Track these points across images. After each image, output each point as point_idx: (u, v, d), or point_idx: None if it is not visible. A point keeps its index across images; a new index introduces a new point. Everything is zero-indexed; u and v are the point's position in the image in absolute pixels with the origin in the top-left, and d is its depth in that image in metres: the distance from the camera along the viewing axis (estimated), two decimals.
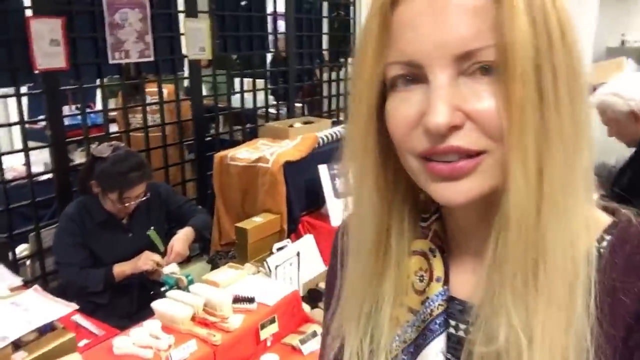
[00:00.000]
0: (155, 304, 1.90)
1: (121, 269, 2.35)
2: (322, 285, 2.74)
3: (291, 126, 3.32)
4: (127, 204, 2.35)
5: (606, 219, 0.56)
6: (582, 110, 0.50)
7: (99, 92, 4.22)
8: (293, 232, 2.90)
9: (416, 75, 0.51)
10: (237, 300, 1.98)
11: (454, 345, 0.58)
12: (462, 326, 0.58)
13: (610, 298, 0.51)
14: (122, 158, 2.34)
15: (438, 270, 0.60)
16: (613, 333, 0.50)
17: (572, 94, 0.49)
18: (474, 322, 0.54)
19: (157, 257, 2.36)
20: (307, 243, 2.81)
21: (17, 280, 2.17)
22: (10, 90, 2.68)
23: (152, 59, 3.10)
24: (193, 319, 1.88)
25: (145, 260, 2.34)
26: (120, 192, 2.31)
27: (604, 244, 0.54)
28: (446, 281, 0.60)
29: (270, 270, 2.46)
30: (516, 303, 0.50)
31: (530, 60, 0.47)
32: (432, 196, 0.54)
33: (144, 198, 2.42)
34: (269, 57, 4.81)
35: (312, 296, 2.62)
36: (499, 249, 0.51)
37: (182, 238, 2.47)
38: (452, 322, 0.59)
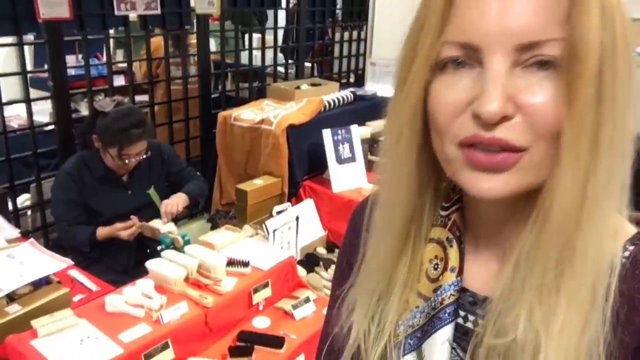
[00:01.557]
0: (149, 264, 1.91)
1: (102, 232, 2.34)
2: (320, 250, 2.75)
3: (298, 87, 3.26)
4: (126, 161, 2.34)
5: (631, 229, 0.55)
6: (631, 119, 0.49)
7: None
8: (294, 196, 2.89)
9: (470, 59, 0.50)
10: (231, 263, 1.98)
11: (461, 336, 0.59)
12: (471, 317, 0.59)
13: (627, 307, 0.51)
14: (124, 114, 2.32)
15: (453, 260, 0.60)
16: (627, 341, 0.50)
17: (626, 101, 0.48)
18: (486, 314, 0.54)
19: (127, 232, 2.32)
20: (307, 207, 2.81)
21: (15, 232, 2.19)
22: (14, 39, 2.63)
23: (158, 12, 3.03)
24: (186, 280, 1.89)
25: (128, 232, 2.32)
26: (119, 148, 2.30)
27: (626, 253, 0.53)
28: (460, 272, 0.59)
29: (268, 233, 2.47)
30: (542, 299, 0.50)
31: (597, 62, 0.46)
32: (464, 186, 0.53)
33: (145, 156, 2.41)
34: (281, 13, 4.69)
35: (310, 260, 2.63)
36: (531, 245, 0.51)
37: (175, 201, 2.45)
38: (462, 313, 0.59)
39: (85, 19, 2.73)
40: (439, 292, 0.60)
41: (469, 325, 0.59)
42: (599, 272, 0.50)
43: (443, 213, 0.63)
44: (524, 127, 0.48)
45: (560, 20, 0.46)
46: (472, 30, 0.48)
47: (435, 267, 0.61)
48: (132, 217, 2.35)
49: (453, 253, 0.60)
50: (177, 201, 2.46)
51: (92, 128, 2.34)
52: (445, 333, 0.58)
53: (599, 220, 0.49)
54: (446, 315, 0.59)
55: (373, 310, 0.63)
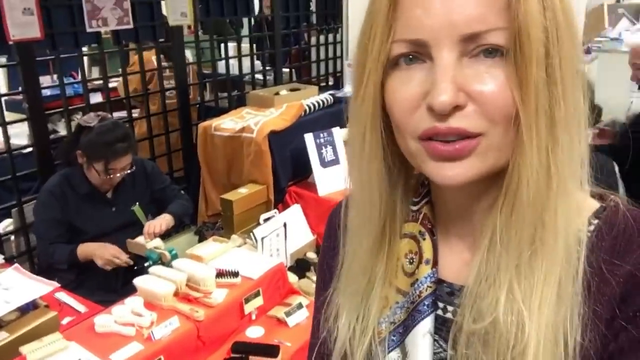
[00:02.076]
0: (137, 281, 1.88)
1: (84, 250, 2.28)
2: (310, 255, 2.74)
3: (277, 94, 3.25)
4: (112, 176, 2.31)
5: (594, 204, 0.58)
6: (580, 98, 0.52)
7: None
8: (280, 203, 2.87)
9: (420, 54, 0.52)
10: (220, 274, 1.96)
11: (441, 327, 0.59)
12: (450, 308, 0.60)
13: (597, 279, 0.52)
14: (109, 128, 2.31)
15: (427, 252, 0.61)
16: (600, 312, 0.52)
17: (574, 80, 0.51)
18: (462, 301, 0.55)
19: (118, 260, 2.26)
20: (295, 213, 2.79)
21: None
22: None
23: (131, 26, 3.00)
24: (176, 294, 1.87)
25: (104, 260, 2.25)
26: (105, 162, 2.27)
27: (591, 227, 0.55)
28: (435, 264, 0.60)
29: (256, 242, 2.45)
30: (519, 278, 0.51)
31: (542, 44, 0.48)
32: (430, 176, 0.54)
33: (129, 171, 2.38)
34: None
35: (300, 266, 2.62)
36: (502, 226, 0.52)
37: (158, 222, 2.42)
38: (441, 305, 0.60)
39: (57, 37, 2.69)
40: (416, 285, 0.60)
41: (449, 315, 0.59)
42: (569, 246, 0.52)
43: (414, 208, 0.64)
44: (477, 114, 0.50)
45: (502, 9, 0.48)
46: (419, 27, 0.50)
47: (411, 261, 0.62)
48: (121, 254, 2.28)
49: (426, 246, 0.61)
50: (161, 222, 2.43)
51: (76, 144, 2.32)
52: (425, 325, 0.59)
53: (565, 196, 0.51)
54: (425, 307, 0.59)
55: (357, 311, 0.64)
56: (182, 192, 2.82)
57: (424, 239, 0.62)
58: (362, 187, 0.61)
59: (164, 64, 3.44)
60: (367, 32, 0.54)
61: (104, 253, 2.27)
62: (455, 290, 0.60)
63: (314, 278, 2.55)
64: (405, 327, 0.61)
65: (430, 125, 0.51)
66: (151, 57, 3.47)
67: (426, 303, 0.59)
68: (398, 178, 0.62)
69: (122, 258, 2.27)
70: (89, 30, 2.79)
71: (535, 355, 0.50)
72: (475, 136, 0.51)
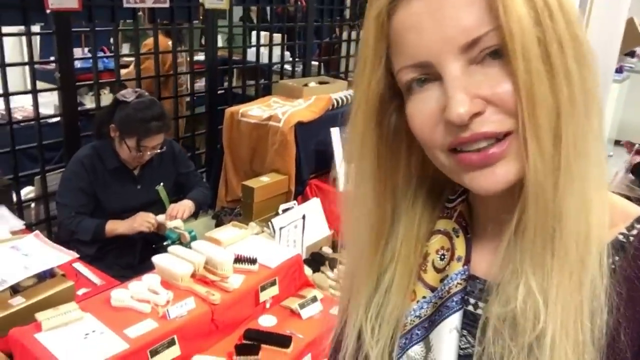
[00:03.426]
0: (156, 259, 1.88)
1: (114, 227, 2.30)
2: (326, 249, 2.72)
3: (306, 85, 3.23)
4: (142, 153, 2.30)
5: (636, 209, 0.57)
6: (589, 76, 0.50)
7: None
8: (300, 195, 2.86)
9: (429, 75, 0.52)
10: (238, 260, 1.95)
11: (470, 323, 0.59)
12: (481, 304, 0.59)
13: (629, 285, 0.52)
14: (146, 105, 2.30)
15: (460, 250, 0.61)
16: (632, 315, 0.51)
17: (579, 61, 0.49)
18: (490, 293, 0.56)
19: (152, 219, 2.30)
20: (314, 206, 2.78)
21: (19, 224, 2.16)
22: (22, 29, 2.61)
23: (167, 5, 3.01)
24: (193, 276, 1.86)
25: (141, 222, 2.28)
26: (138, 138, 2.26)
27: (634, 232, 0.54)
28: (467, 261, 0.60)
29: (274, 231, 2.44)
30: (534, 267, 0.52)
31: (531, 33, 0.47)
32: (470, 187, 0.54)
33: (159, 151, 2.37)
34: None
35: (315, 259, 2.60)
36: (521, 218, 0.52)
37: (182, 208, 2.41)
38: (472, 300, 0.60)
39: (93, 10, 2.70)
40: (445, 281, 0.61)
41: (479, 312, 0.59)
42: (588, 228, 0.51)
43: (449, 205, 0.65)
44: (499, 115, 0.50)
45: (488, 12, 0.48)
46: (418, 51, 0.51)
47: (442, 257, 0.62)
48: (149, 216, 2.31)
49: (459, 243, 0.61)
50: (184, 208, 2.42)
51: (111, 118, 2.31)
52: (452, 321, 0.59)
53: (577, 180, 0.50)
54: (454, 303, 0.59)
55: (367, 303, 0.64)
56: (204, 180, 2.82)
57: (458, 236, 0.62)
58: (356, 205, 0.63)
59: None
60: (359, 64, 0.56)
61: (140, 225, 2.28)
62: (488, 287, 0.59)
63: (329, 273, 2.54)
64: (431, 322, 0.61)
65: (453, 138, 0.51)
66: (166, 42, 3.46)
67: (455, 299, 0.59)
68: (417, 192, 0.64)
69: (153, 222, 2.29)
70: (125, 5, 2.80)
71: (552, 343, 0.50)
72: (504, 137, 0.50)
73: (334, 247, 2.76)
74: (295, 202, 2.75)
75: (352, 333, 0.65)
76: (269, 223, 2.48)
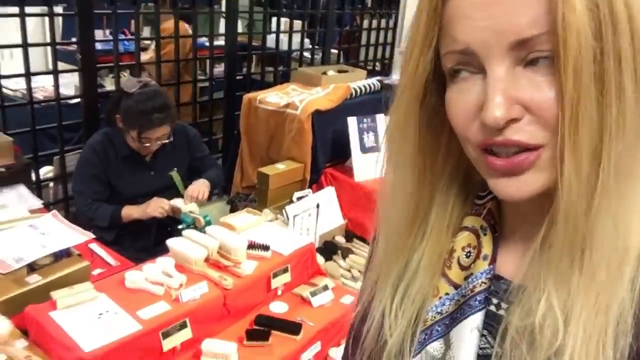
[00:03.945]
0: (171, 242, 1.90)
1: (129, 212, 2.32)
2: (339, 239, 2.73)
3: (324, 73, 3.22)
4: (146, 144, 2.30)
5: None
6: None
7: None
8: (315, 183, 2.86)
9: (473, 65, 0.51)
10: (252, 246, 1.97)
11: (492, 323, 0.58)
12: (504, 305, 0.58)
13: None
14: (148, 97, 2.26)
15: (486, 248, 0.60)
16: None
17: (638, 80, 0.46)
18: (514, 298, 0.55)
19: (166, 204, 2.31)
20: (328, 195, 2.78)
21: (37, 203, 2.19)
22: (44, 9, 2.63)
23: None
24: (206, 260, 1.88)
25: (155, 207, 2.30)
26: (139, 131, 2.25)
27: None
28: (493, 260, 0.59)
29: (288, 219, 2.45)
30: (557, 284, 0.50)
31: (588, 48, 0.45)
32: (493, 191, 0.54)
33: (167, 141, 2.36)
34: None
35: (328, 248, 2.61)
36: (548, 234, 0.51)
37: (201, 188, 2.43)
38: (495, 301, 0.59)
39: None
40: (470, 279, 0.60)
41: (502, 312, 0.58)
42: (626, 255, 0.49)
43: (478, 202, 0.63)
44: (535, 125, 0.48)
45: (547, 13, 0.46)
46: (466, 38, 0.50)
47: (468, 255, 0.61)
48: (164, 202, 2.33)
49: (486, 241, 0.60)
50: (203, 189, 2.43)
51: (117, 107, 2.30)
52: (474, 320, 0.58)
53: (616, 205, 0.48)
54: (477, 302, 0.59)
55: (392, 294, 0.64)
56: (218, 162, 2.83)
57: (485, 234, 0.61)
58: (394, 187, 0.62)
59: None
60: (409, 43, 0.55)
61: (154, 211, 2.30)
62: (512, 288, 0.58)
63: (341, 262, 2.54)
64: (452, 319, 0.60)
65: (485, 137, 0.51)
66: (184, 27, 3.43)
67: (478, 298, 0.59)
68: (452, 180, 0.63)
69: (166, 208, 2.31)
70: None
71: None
72: (535, 148, 0.49)
73: (347, 237, 2.76)
74: (310, 190, 2.75)
75: (379, 308, 0.65)
76: (283, 210, 2.48)
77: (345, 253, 2.59)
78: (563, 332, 0.49)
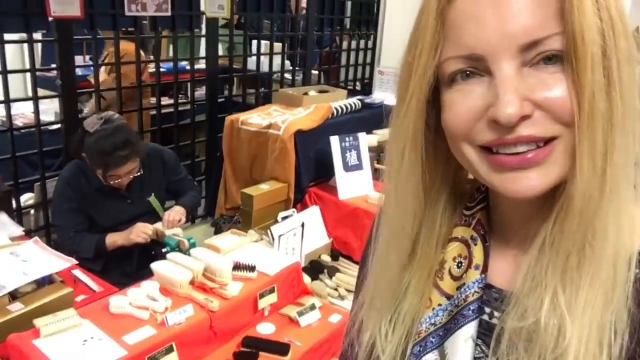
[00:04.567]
0: (155, 265, 1.88)
1: (113, 239, 2.29)
2: (325, 257, 2.72)
3: (306, 94, 3.25)
4: (112, 182, 2.25)
5: None
6: (636, 96, 0.50)
7: None
8: (299, 202, 2.86)
9: (476, 69, 0.51)
10: (237, 267, 1.96)
11: (485, 332, 0.58)
12: (496, 314, 0.58)
13: None
14: (108, 134, 2.18)
15: (477, 258, 0.60)
16: None
17: (632, 79, 0.49)
18: (508, 300, 0.54)
19: (149, 230, 2.28)
20: (313, 214, 2.78)
21: (18, 230, 2.16)
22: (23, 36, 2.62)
23: (169, 13, 3.02)
24: (192, 283, 1.87)
25: (138, 233, 2.27)
26: (104, 170, 2.21)
27: None
28: (485, 269, 0.59)
29: (273, 239, 2.44)
30: (564, 283, 0.50)
31: (599, 46, 0.47)
32: (497, 188, 0.53)
33: (138, 174, 2.32)
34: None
35: (314, 268, 2.61)
36: (556, 231, 0.51)
37: (176, 214, 2.41)
38: (487, 310, 0.59)
39: (95, 18, 2.71)
40: (462, 289, 0.60)
41: (495, 321, 0.58)
42: (622, 250, 0.50)
43: (467, 212, 0.63)
44: (547, 120, 0.49)
45: (556, 14, 0.47)
46: (474, 41, 0.49)
47: (459, 265, 0.61)
48: (146, 227, 2.30)
49: (477, 251, 0.60)
50: (179, 216, 2.41)
51: (82, 145, 2.23)
52: (468, 330, 0.58)
53: (619, 200, 0.49)
54: (470, 312, 0.58)
55: (382, 316, 0.64)
56: (195, 184, 2.82)
57: (476, 244, 0.61)
58: (396, 204, 0.61)
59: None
60: (413, 50, 0.54)
61: (137, 237, 2.27)
62: (504, 297, 0.58)
63: (327, 281, 2.54)
64: (446, 330, 0.60)
65: (494, 137, 0.50)
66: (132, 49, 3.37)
67: (472, 308, 0.59)
68: (440, 193, 0.62)
69: (149, 232, 2.28)
70: (127, 13, 2.81)
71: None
72: (548, 141, 0.49)
73: (333, 256, 2.76)
74: (294, 210, 2.75)
75: (369, 331, 0.65)
76: (268, 231, 2.48)
77: (332, 272, 2.59)
78: (570, 331, 0.49)
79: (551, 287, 0.51)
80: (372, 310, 0.65)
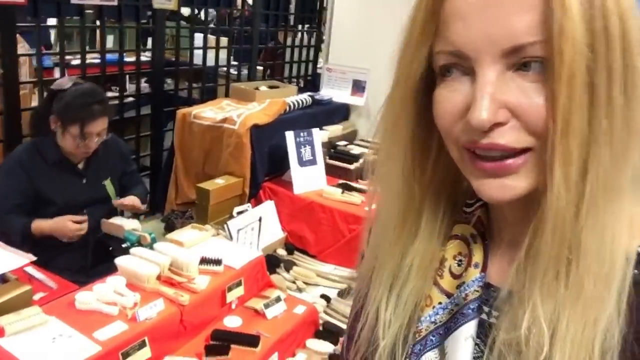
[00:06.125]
0: (120, 260, 1.83)
1: (38, 225, 2.19)
2: (280, 251, 2.74)
3: (257, 89, 3.24)
4: (87, 140, 2.20)
5: None
6: (637, 109, 0.48)
7: (52, 33, 4.00)
8: (253, 197, 2.86)
9: (463, 66, 0.51)
10: (203, 261, 1.94)
11: (484, 331, 0.58)
12: (494, 313, 0.58)
13: None
14: (85, 90, 2.22)
15: (477, 256, 0.60)
16: None
17: (628, 94, 0.47)
18: (502, 308, 0.54)
19: (73, 226, 2.18)
20: (268, 209, 2.79)
21: None
22: None
23: (115, 3, 2.94)
24: (158, 277, 1.83)
25: (64, 233, 2.17)
26: (82, 124, 2.16)
27: None
28: (484, 268, 0.59)
29: (230, 234, 2.43)
30: (543, 296, 0.50)
31: (582, 59, 0.45)
32: (477, 193, 0.53)
33: (104, 139, 2.28)
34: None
35: (271, 261, 2.61)
36: (534, 243, 0.51)
37: (134, 199, 2.38)
38: (486, 309, 0.59)
39: (39, 5, 2.59)
40: (462, 288, 0.59)
41: (493, 320, 0.57)
42: (612, 267, 0.49)
43: (467, 210, 0.63)
44: (520, 130, 0.48)
45: (541, 21, 0.46)
46: (459, 41, 0.50)
47: (459, 263, 0.61)
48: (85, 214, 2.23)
49: (477, 249, 0.60)
50: (136, 202, 2.38)
51: (49, 109, 2.21)
52: (468, 329, 0.58)
53: (603, 216, 0.48)
54: (470, 311, 0.58)
55: (386, 292, 0.63)
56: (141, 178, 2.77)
57: (475, 242, 0.61)
58: (385, 188, 0.62)
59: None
60: (405, 38, 0.55)
61: (64, 231, 2.17)
62: (501, 297, 0.57)
63: (285, 274, 2.56)
64: (446, 329, 0.60)
65: (470, 139, 0.51)
66: None
67: (472, 307, 0.58)
68: (443, 182, 0.62)
69: (83, 227, 2.19)
70: (73, 1, 2.71)
71: None
72: (521, 152, 0.49)
73: (288, 250, 2.78)
74: (249, 204, 2.75)
75: (373, 305, 0.64)
76: (225, 225, 2.46)
77: (288, 265, 2.61)
78: (549, 345, 0.48)
79: (531, 299, 0.50)
80: (375, 277, 0.65)
